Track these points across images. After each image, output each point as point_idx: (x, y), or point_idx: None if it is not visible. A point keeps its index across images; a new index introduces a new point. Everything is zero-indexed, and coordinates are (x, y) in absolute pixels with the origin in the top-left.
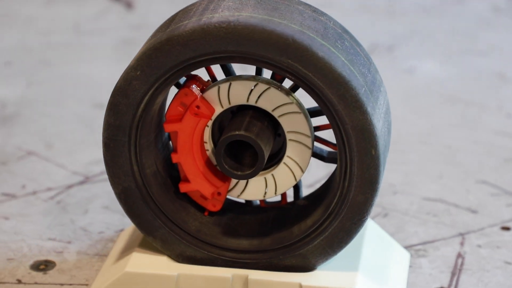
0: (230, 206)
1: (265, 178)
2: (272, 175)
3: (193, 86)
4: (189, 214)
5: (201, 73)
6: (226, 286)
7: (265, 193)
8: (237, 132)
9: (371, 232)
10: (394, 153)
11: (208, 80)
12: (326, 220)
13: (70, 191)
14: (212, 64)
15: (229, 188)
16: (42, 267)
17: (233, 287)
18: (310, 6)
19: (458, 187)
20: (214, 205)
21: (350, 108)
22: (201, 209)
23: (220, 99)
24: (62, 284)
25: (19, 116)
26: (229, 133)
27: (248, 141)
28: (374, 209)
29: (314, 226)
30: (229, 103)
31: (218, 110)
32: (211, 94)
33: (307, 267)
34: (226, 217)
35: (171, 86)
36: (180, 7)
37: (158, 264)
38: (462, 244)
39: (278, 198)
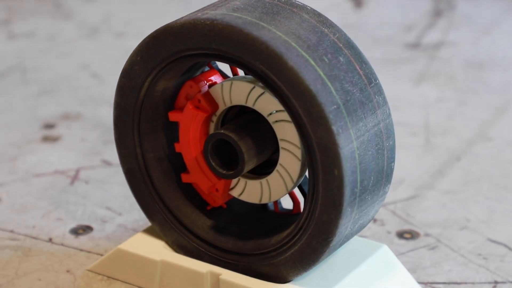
0: (239, 206)
1: (261, 182)
2: (267, 181)
3: (203, 79)
4: (187, 205)
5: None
6: (199, 281)
7: (261, 198)
8: (221, 131)
9: (380, 257)
10: (489, 187)
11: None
12: (296, 235)
13: None
14: (200, 60)
15: (231, 187)
16: (80, 231)
17: (205, 283)
18: (320, 16)
19: None
20: (214, 201)
21: (314, 123)
22: (206, 202)
23: (223, 97)
24: (81, 250)
25: None
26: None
27: (230, 141)
28: (425, 239)
29: (287, 239)
30: (231, 102)
31: (221, 107)
32: (216, 90)
33: (280, 279)
34: (225, 215)
35: (175, 75)
36: None
37: (149, 248)
38: None
39: (290, 205)
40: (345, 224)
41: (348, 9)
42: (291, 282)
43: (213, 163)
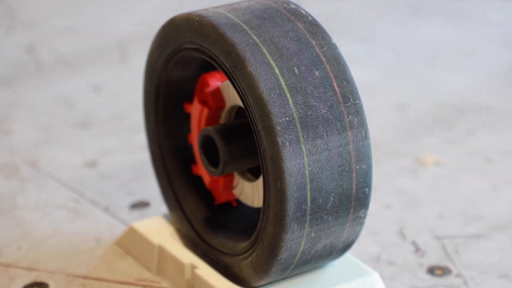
0: (247, 208)
1: (252, 186)
2: (257, 184)
3: (217, 75)
4: (193, 197)
5: None
6: (182, 271)
7: (253, 200)
8: (209, 128)
9: (365, 284)
10: None
11: None
12: (255, 242)
13: None
14: (195, 55)
15: (234, 186)
16: (137, 206)
17: (186, 274)
18: (316, 27)
19: None
20: (216, 197)
21: (264, 132)
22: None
23: (228, 95)
24: (124, 224)
25: None
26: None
27: (214, 138)
28: (452, 279)
29: (250, 245)
30: (233, 101)
31: (228, 105)
32: (224, 88)
33: (245, 283)
34: (228, 214)
35: (188, 66)
36: None
37: (154, 232)
38: None
39: None
40: (294, 239)
41: None
42: None
43: (202, 158)
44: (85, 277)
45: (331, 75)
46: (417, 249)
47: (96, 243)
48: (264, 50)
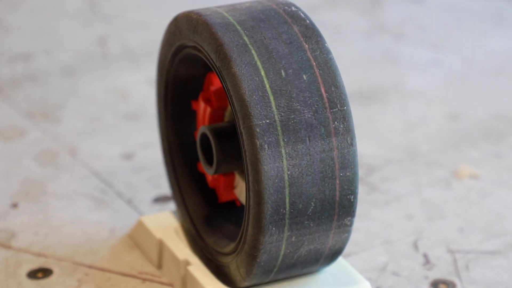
0: None
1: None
2: None
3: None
4: (197, 194)
5: None
6: (178, 266)
7: None
8: (205, 126)
9: None
10: None
11: None
12: (239, 243)
13: None
14: (194, 52)
15: (235, 186)
16: (159, 200)
17: (181, 270)
18: (312, 31)
19: None
20: (219, 196)
21: (245, 133)
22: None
23: None
24: (141, 214)
25: None
26: None
27: (209, 136)
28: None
29: (237, 246)
30: None
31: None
32: None
33: (232, 283)
34: (230, 213)
35: (193, 64)
36: None
37: (159, 226)
38: None
39: None
40: (272, 242)
41: None
42: None
43: (200, 155)
44: (90, 267)
45: (320, 79)
46: (426, 262)
47: (109, 234)
48: (253, 52)
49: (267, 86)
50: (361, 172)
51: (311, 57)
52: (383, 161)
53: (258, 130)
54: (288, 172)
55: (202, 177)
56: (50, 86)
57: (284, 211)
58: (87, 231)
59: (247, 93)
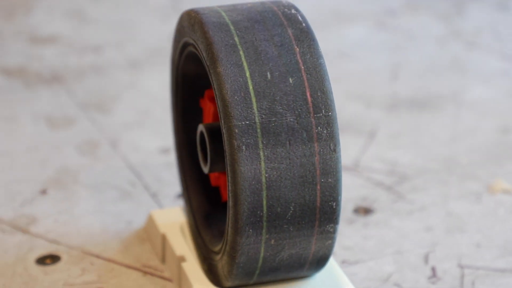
0: None
1: None
2: None
3: None
4: (201, 191)
5: None
6: (176, 262)
7: None
8: (202, 124)
9: None
10: None
11: None
12: (223, 244)
13: None
14: (194, 50)
15: None
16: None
17: (176, 264)
18: (305, 34)
19: None
20: (222, 194)
21: (225, 132)
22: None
23: None
24: (161, 208)
25: None
26: None
27: (204, 135)
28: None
29: (221, 246)
30: None
31: None
32: None
33: (219, 282)
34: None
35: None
36: None
37: (166, 221)
38: None
39: None
40: (250, 244)
41: None
42: None
43: (199, 153)
44: (97, 256)
45: (306, 83)
46: (433, 275)
47: (126, 225)
48: (241, 52)
49: (251, 87)
50: (391, 181)
51: (300, 61)
52: (417, 171)
53: (236, 130)
54: (266, 175)
55: (207, 175)
56: (112, 79)
57: (262, 214)
58: (105, 221)
59: (228, 93)
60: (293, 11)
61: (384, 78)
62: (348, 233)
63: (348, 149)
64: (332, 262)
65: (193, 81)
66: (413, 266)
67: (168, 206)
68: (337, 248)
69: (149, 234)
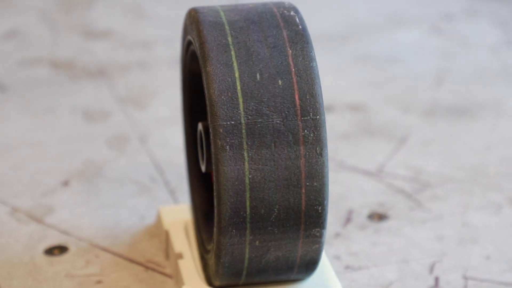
0: None
1: None
2: None
3: None
4: (204, 189)
5: None
6: (173, 258)
7: None
8: (201, 123)
9: None
10: None
11: None
12: (212, 243)
13: None
14: (194, 48)
15: None
16: None
17: (175, 262)
18: (300, 36)
19: None
20: None
21: (211, 131)
22: None
23: None
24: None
25: None
26: None
27: (202, 133)
28: None
29: (212, 246)
30: None
31: None
32: None
33: (211, 281)
34: None
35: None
36: None
37: (172, 218)
38: None
39: None
40: (234, 244)
41: None
42: None
43: (198, 152)
44: (104, 249)
45: (296, 86)
46: (435, 285)
47: (138, 220)
48: (232, 52)
49: (239, 87)
50: (412, 188)
51: (291, 63)
52: (440, 179)
53: (221, 130)
54: (250, 176)
55: (209, 174)
56: (155, 75)
57: (245, 215)
58: (119, 215)
59: (216, 92)
60: (292, 13)
61: (428, 84)
62: (357, 239)
63: (376, 154)
64: (327, 266)
65: (198, 79)
66: (417, 275)
67: (183, 202)
68: (343, 253)
69: (158, 230)
